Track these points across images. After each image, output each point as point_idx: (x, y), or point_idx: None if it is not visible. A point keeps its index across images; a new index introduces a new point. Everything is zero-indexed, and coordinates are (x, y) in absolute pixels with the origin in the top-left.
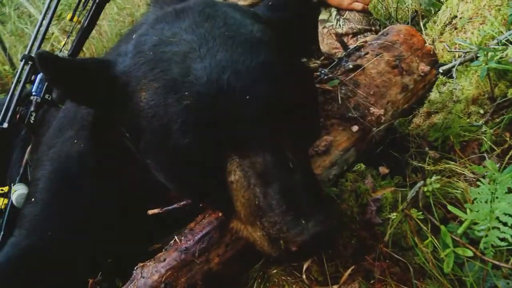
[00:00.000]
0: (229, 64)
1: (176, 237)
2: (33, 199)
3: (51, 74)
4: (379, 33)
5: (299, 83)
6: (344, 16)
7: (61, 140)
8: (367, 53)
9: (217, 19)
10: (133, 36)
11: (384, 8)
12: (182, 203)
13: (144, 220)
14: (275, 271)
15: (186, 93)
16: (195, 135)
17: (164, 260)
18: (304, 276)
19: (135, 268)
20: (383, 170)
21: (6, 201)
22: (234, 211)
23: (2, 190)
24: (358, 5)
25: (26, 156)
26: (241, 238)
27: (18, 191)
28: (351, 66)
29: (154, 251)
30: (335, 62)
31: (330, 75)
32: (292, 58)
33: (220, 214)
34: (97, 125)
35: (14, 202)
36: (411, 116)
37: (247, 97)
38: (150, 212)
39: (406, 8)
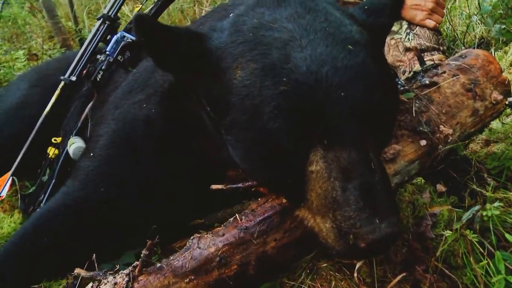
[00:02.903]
0: (328, 59)
1: (237, 215)
2: (91, 154)
3: (145, 37)
4: (457, 54)
5: (388, 89)
6: (415, 31)
7: (130, 102)
8: (444, 72)
9: (319, 13)
10: (230, 15)
11: (450, 29)
12: (247, 183)
13: (197, 193)
14: (325, 265)
15: (284, 79)
16: (286, 120)
17: (223, 235)
18: (355, 275)
19: (191, 238)
20: (440, 187)
21: (57, 151)
22: (305, 199)
23: (55, 140)
24: (431, 23)
25: (86, 111)
26: (299, 227)
27: (76, 143)
28: (427, 82)
29: (196, 226)
30: (411, 75)
31: (406, 87)
32: (383, 63)
33: (284, 201)
34: (173, 93)
35: (70, 153)
36: (467, 141)
37: (342, 93)
38: (214, 187)
39: (473, 33)
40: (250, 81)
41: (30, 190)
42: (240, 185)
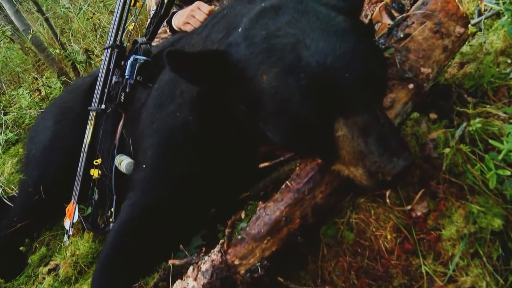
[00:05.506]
0: (329, 50)
1: (287, 182)
2: (144, 166)
3: (178, 67)
4: (419, 3)
5: (378, 57)
6: None
7: (163, 114)
8: (413, 23)
9: (310, 14)
10: (236, 28)
11: None
12: (287, 156)
13: (238, 173)
14: (362, 200)
15: (302, 75)
16: (311, 105)
17: (282, 199)
18: (388, 201)
19: (258, 209)
20: (433, 116)
21: (100, 172)
22: (338, 157)
23: (96, 162)
24: None
25: (119, 130)
26: (336, 178)
27: (125, 160)
28: (402, 35)
29: (244, 199)
30: (387, 32)
31: (387, 45)
32: (369, 38)
33: (319, 161)
34: (203, 100)
35: (123, 169)
36: (445, 68)
37: (346, 74)
38: (262, 165)
39: None
40: (275, 82)
41: (89, 211)
42: (281, 158)
